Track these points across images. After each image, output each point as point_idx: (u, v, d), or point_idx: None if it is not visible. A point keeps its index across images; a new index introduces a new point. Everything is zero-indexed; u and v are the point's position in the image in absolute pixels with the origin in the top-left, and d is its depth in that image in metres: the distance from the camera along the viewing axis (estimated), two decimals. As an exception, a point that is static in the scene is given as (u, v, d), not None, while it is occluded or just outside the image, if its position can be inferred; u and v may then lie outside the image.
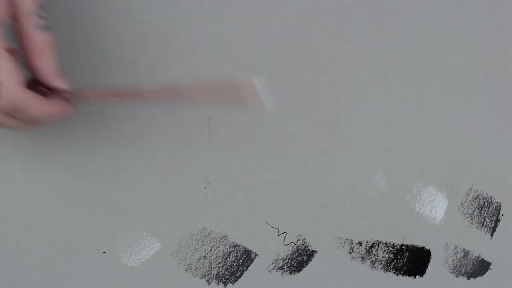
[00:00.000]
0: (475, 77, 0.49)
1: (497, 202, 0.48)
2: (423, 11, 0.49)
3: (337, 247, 0.46)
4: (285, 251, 0.46)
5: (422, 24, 0.49)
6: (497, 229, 0.47)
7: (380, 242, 0.46)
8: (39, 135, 0.44)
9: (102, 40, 0.45)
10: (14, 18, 0.36)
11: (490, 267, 0.47)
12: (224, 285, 0.45)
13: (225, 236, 0.45)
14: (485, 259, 0.47)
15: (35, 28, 0.35)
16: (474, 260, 0.47)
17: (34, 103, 0.35)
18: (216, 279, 0.45)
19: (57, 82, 0.37)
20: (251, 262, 0.45)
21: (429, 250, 0.47)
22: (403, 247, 0.46)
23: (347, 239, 0.46)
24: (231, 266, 0.45)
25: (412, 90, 0.48)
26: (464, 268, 0.47)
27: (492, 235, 0.47)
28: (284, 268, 0.45)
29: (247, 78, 0.33)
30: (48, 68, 0.37)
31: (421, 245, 0.47)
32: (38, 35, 0.35)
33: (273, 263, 0.45)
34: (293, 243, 0.46)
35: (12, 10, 0.35)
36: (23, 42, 0.36)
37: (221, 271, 0.45)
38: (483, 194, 0.48)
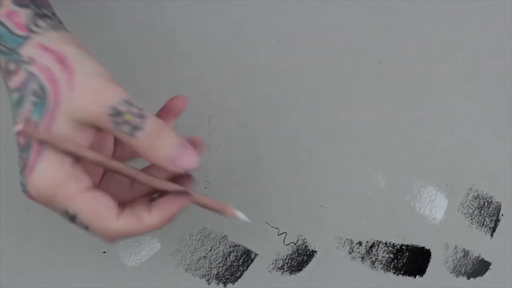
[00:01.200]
0: (475, 77, 0.49)
1: (497, 202, 0.48)
2: (423, 11, 0.49)
3: (337, 247, 0.46)
4: (285, 251, 0.46)
5: (422, 24, 0.49)
6: (497, 229, 0.47)
7: (380, 242, 0.46)
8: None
9: (102, 39, 0.45)
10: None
11: (490, 267, 0.47)
12: (224, 285, 0.45)
13: (225, 236, 0.45)
14: (485, 259, 0.47)
15: (125, 136, 0.29)
16: (474, 260, 0.47)
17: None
18: (216, 279, 0.45)
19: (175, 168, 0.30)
20: (251, 262, 0.45)
21: (429, 250, 0.47)
22: (403, 247, 0.46)
23: (347, 239, 0.46)
24: (231, 266, 0.45)
25: (412, 90, 0.48)
26: (464, 268, 0.47)
27: (492, 235, 0.47)
28: (284, 268, 0.45)
29: (232, 212, 0.33)
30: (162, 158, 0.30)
31: (421, 245, 0.47)
32: (131, 140, 0.29)
33: (273, 263, 0.45)
34: (293, 243, 0.46)
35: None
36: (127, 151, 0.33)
37: (221, 271, 0.45)
38: (483, 194, 0.48)
